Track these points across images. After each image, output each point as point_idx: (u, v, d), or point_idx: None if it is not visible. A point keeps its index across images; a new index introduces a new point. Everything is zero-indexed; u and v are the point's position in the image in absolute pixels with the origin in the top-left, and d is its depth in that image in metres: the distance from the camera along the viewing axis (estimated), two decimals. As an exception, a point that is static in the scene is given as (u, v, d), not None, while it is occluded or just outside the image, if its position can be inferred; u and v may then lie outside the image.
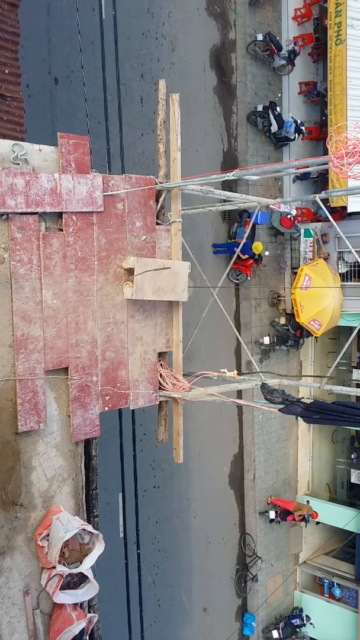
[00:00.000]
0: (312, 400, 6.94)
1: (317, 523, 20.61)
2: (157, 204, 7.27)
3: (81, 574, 6.15)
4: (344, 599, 20.07)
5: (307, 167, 7.37)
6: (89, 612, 6.61)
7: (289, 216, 18.14)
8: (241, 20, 18.32)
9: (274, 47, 18.33)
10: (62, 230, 6.26)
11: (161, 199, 7.31)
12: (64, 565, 5.99)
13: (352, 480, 20.82)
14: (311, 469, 21.78)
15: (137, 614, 12.70)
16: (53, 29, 12.93)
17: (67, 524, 5.96)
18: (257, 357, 18.71)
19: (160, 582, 16.38)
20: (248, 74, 18.45)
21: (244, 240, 11.01)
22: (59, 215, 6.24)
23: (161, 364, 7.51)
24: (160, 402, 7.60)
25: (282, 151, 19.52)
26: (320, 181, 19.89)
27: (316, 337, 19.59)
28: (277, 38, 18.75)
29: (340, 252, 18.63)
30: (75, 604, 6.28)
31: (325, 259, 18.50)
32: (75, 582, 6.27)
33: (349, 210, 16.98)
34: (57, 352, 6.25)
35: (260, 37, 18.31)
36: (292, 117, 18.68)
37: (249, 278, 18.03)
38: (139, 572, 12.73)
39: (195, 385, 7.47)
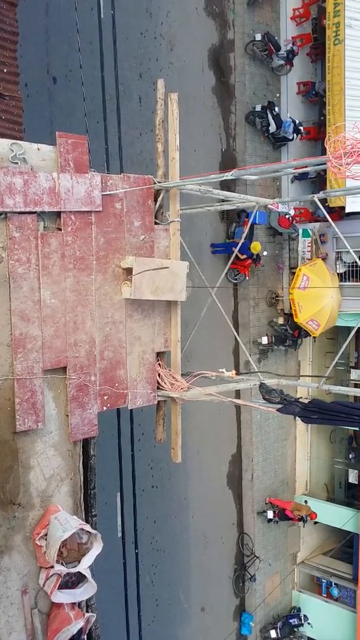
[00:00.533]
0: (310, 400, 6.94)
1: (315, 523, 20.62)
2: (155, 204, 7.27)
3: (79, 573, 6.15)
4: (341, 599, 20.09)
5: (306, 167, 7.37)
6: (87, 611, 6.61)
7: (287, 216, 18.15)
8: (240, 20, 18.32)
9: (272, 47, 18.34)
10: (60, 229, 6.26)
11: (160, 199, 7.31)
12: (62, 564, 5.99)
13: (350, 480, 20.83)
14: (309, 469, 21.79)
15: (135, 614, 12.70)
16: (52, 28, 12.91)
17: (65, 523, 5.95)
18: (255, 357, 18.72)
19: (158, 581, 16.37)
20: (246, 74, 18.45)
21: (242, 240, 11.04)
22: (58, 214, 6.23)
23: (159, 364, 7.51)
24: (159, 401, 7.60)
25: (280, 151, 19.53)
26: (318, 181, 19.90)
27: (314, 337, 19.60)
28: (276, 38, 18.76)
29: (338, 252, 18.65)
30: (73, 604, 6.27)
31: (324, 259, 18.52)
32: (73, 581, 6.26)
33: (347, 210, 16.99)
34: (55, 351, 6.25)
35: (258, 37, 18.33)
36: (290, 117, 18.69)
37: (247, 278, 18.03)
38: (137, 572, 12.73)
39: (193, 385, 7.47)
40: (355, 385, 18.79)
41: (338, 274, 18.45)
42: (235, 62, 18.37)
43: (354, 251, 8.60)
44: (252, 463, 19.15)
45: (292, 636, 19.83)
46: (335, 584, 20.23)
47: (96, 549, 6.17)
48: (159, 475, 16.12)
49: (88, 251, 6.49)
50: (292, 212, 18.48)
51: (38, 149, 6.11)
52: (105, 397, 6.80)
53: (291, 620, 19.80)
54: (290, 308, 18.05)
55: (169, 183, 7.24)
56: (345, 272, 18.61)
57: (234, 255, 10.31)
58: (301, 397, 7.21)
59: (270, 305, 19.38)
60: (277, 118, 18.27)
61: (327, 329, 18.30)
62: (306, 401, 6.95)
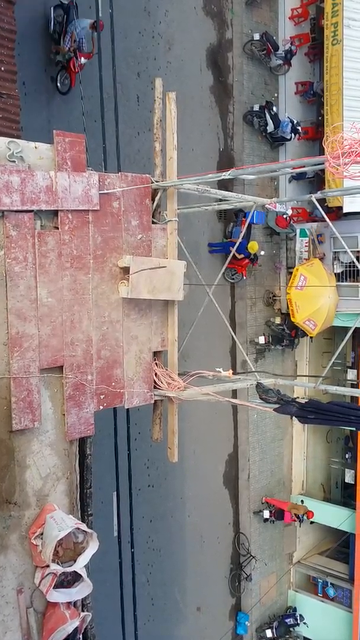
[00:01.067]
0: (307, 400, 6.94)
1: (312, 522, 20.63)
2: (153, 203, 7.26)
3: (75, 572, 6.14)
4: (337, 599, 20.11)
5: (304, 166, 7.37)
6: (83, 610, 6.60)
7: (284, 216, 18.16)
8: (238, 19, 18.32)
9: (270, 47, 18.35)
10: (57, 228, 6.24)
11: (157, 198, 7.30)
12: (57, 564, 5.98)
13: (346, 480, 20.86)
14: (305, 469, 21.82)
15: (130, 613, 12.69)
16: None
17: (61, 522, 5.94)
18: (252, 357, 18.73)
19: (154, 581, 16.37)
20: (245, 74, 18.45)
21: (239, 240, 11.03)
22: (55, 213, 6.22)
23: (156, 363, 7.50)
24: (155, 401, 7.59)
25: (278, 151, 19.53)
26: (316, 181, 19.91)
27: (311, 337, 19.62)
28: (274, 38, 18.77)
29: (335, 252, 18.65)
30: (69, 603, 6.26)
31: (321, 259, 18.53)
32: (69, 580, 6.25)
33: (345, 210, 16.99)
34: (52, 350, 6.24)
35: (257, 36, 18.34)
36: (288, 117, 18.70)
37: (244, 277, 18.04)
38: (132, 571, 12.72)
39: (190, 385, 7.46)
40: (352, 386, 18.80)
41: (335, 274, 18.46)
42: (233, 61, 18.37)
43: (351, 251, 8.61)
44: (249, 463, 19.16)
45: (288, 636, 19.85)
46: (331, 583, 20.26)
47: (92, 548, 6.17)
48: (155, 474, 16.11)
49: (85, 250, 6.48)
50: (289, 212, 18.48)
51: (35, 148, 6.10)
52: (102, 397, 6.79)
53: (287, 620, 19.81)
54: (288, 308, 18.06)
55: (167, 182, 7.23)
56: (342, 272, 18.61)
57: (231, 254, 10.32)
58: (298, 397, 7.21)
59: (267, 305, 19.38)
60: (275, 118, 18.28)
61: (324, 329, 18.32)
62: (303, 401, 6.95)
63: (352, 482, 20.15)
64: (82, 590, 6.22)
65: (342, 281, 18.46)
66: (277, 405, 7.00)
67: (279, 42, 18.94)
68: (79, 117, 10.58)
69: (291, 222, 18.56)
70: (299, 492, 21.40)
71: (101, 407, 6.81)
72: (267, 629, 19.38)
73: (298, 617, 19.88)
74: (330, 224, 7.93)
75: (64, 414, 6.41)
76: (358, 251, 17.42)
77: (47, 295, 6.16)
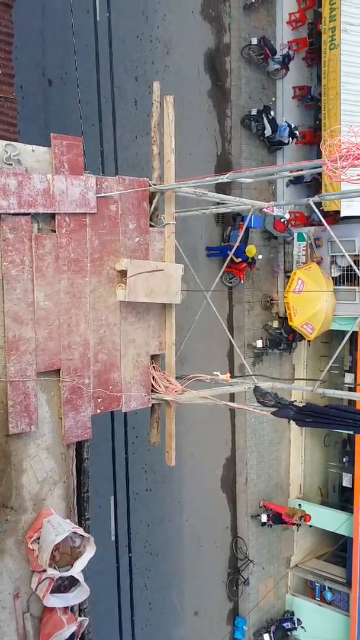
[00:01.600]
0: (304, 404, 6.93)
1: (310, 526, 20.61)
2: (150, 206, 7.26)
3: (72, 577, 6.11)
4: (335, 603, 20.07)
5: (302, 170, 7.37)
6: (80, 615, 6.57)
7: (282, 220, 18.18)
8: (236, 24, 18.35)
9: (268, 51, 18.39)
10: (54, 231, 6.24)
11: (155, 201, 7.30)
12: (54, 568, 5.95)
13: (343, 484, 20.83)
14: (303, 473, 21.79)
15: (128, 618, 12.63)
16: (47, 30, 12.89)
17: (58, 527, 5.92)
18: (249, 361, 18.72)
19: (151, 585, 16.32)
20: (242, 78, 18.48)
21: (237, 244, 11.01)
22: (52, 216, 6.22)
23: (154, 367, 7.49)
24: (153, 404, 7.58)
25: (275, 155, 19.56)
26: (313, 185, 19.92)
27: (309, 341, 19.62)
28: (272, 42, 18.81)
29: (333, 256, 18.67)
30: (66, 608, 6.24)
31: (318, 263, 18.55)
32: (65, 585, 6.23)
33: (342, 214, 17.02)
34: (48, 353, 6.22)
35: (254, 41, 18.36)
36: (286, 121, 18.73)
37: (242, 281, 18.04)
38: (130, 576, 12.67)
39: (187, 388, 7.45)
40: (350, 389, 18.80)
41: (333, 277, 18.47)
42: (231, 65, 18.41)
43: (348, 255, 8.61)
44: (246, 467, 19.13)
45: (285, 640, 19.84)
46: (328, 587, 20.22)
47: (89, 552, 6.14)
48: (152, 478, 16.07)
49: (82, 253, 6.47)
50: (287, 216, 18.50)
51: (32, 151, 6.10)
52: (99, 400, 6.78)
53: (285, 624, 19.76)
54: (285, 312, 18.07)
55: (164, 185, 7.23)
56: (339, 276, 18.63)
57: (229, 258, 10.31)
58: (295, 401, 7.20)
59: (265, 309, 19.39)
60: (273, 122, 18.30)
61: (322, 333, 18.32)
62: (301, 404, 6.94)
63: (350, 486, 20.12)
64: (79, 595, 6.20)
65: (340, 285, 18.48)
66: (274, 409, 6.99)
67: (276, 47, 18.98)
68: (77, 120, 10.54)
69: (289, 226, 18.57)
70: (297, 496, 21.37)
71: (98, 411, 6.79)
72: (265, 633, 19.32)
73: (295, 621, 19.82)
74: (328, 227, 7.93)
75: (61, 418, 6.40)
76: (355, 255, 17.44)
77: (44, 299, 6.15)
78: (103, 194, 6.62)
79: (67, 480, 6.53)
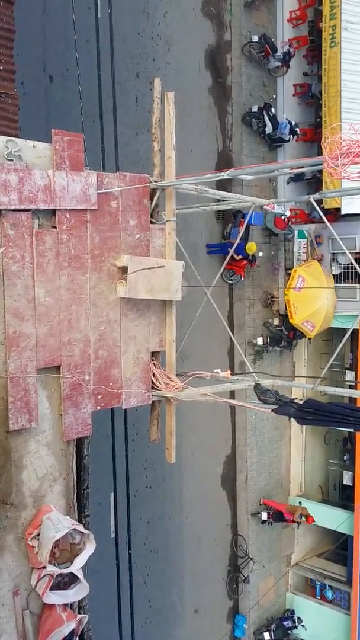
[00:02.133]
0: (305, 401, 6.92)
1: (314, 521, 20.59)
2: (151, 203, 7.25)
3: (71, 574, 6.11)
4: (335, 601, 20.07)
5: (302, 167, 7.36)
6: (79, 612, 6.57)
7: (283, 217, 18.15)
8: (236, 21, 18.32)
9: (269, 49, 18.35)
10: (55, 227, 6.22)
11: (155, 198, 7.29)
12: (54, 565, 5.95)
13: (344, 482, 20.83)
14: (304, 471, 21.78)
15: (127, 615, 12.66)
16: (48, 26, 12.87)
17: (58, 523, 5.92)
18: (250, 358, 18.70)
19: (151, 583, 16.32)
20: (243, 75, 18.45)
21: (238, 241, 11.00)
22: (53, 212, 6.20)
23: (154, 364, 7.48)
24: (153, 401, 7.57)
25: (276, 152, 19.52)
26: (314, 183, 19.90)
27: (309, 339, 19.60)
28: (272, 40, 18.77)
29: (333, 253, 18.64)
30: (65, 605, 6.23)
31: (319, 261, 18.53)
32: (65, 582, 6.22)
33: (343, 212, 17.00)
34: (49, 350, 6.21)
35: (255, 38, 18.33)
36: (286, 119, 18.70)
37: (242, 279, 18.02)
38: (130, 573, 12.71)
39: (188, 385, 7.44)
40: (350, 387, 18.79)
41: (333, 275, 18.45)
42: (231, 63, 18.38)
43: (349, 252, 8.60)
44: (247, 464, 19.12)
45: (285, 638, 19.80)
46: (329, 586, 20.22)
47: (89, 549, 6.14)
48: (152, 475, 16.08)
49: (83, 249, 6.46)
50: (287, 213, 18.47)
51: (34, 147, 6.08)
52: (100, 397, 6.77)
53: (285, 623, 19.76)
54: (286, 309, 18.05)
55: (165, 182, 7.22)
56: (340, 273, 18.61)
57: (229, 255, 10.29)
58: (296, 398, 7.19)
59: (265, 306, 19.37)
60: (274, 119, 18.27)
61: (322, 331, 18.31)
62: (301, 402, 6.93)
63: (350, 484, 20.12)
64: (78, 592, 6.20)
65: (340, 282, 18.45)
66: (275, 406, 6.99)
67: (277, 44, 18.94)
68: (78, 117, 10.54)
69: (289, 224, 18.54)
70: (297, 494, 21.36)
71: (98, 408, 6.79)
72: (265, 631, 19.31)
73: (296, 620, 19.82)
74: (329, 225, 7.93)
75: (61, 414, 6.39)
76: (356, 253, 17.41)
77: (45, 295, 6.14)
78: (104, 190, 6.60)
79: (67, 477, 6.52)
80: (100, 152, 11.49)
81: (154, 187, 7.21)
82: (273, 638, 19.25)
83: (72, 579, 6.22)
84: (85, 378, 6.56)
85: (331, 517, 20.01)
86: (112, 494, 12.60)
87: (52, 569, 5.85)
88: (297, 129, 18.89)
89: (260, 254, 18.35)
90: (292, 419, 7.08)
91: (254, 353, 18.98)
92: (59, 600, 6.05)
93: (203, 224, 17.43)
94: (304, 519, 18.79)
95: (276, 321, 19.35)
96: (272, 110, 18.42)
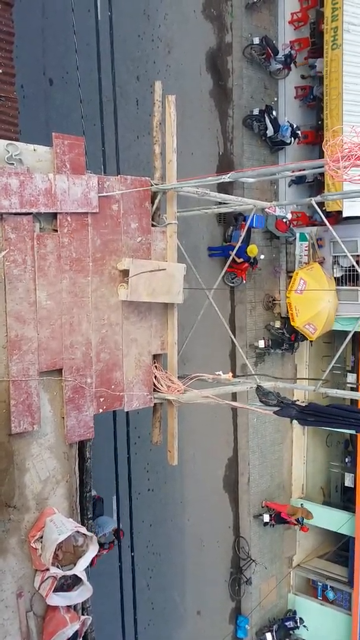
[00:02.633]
0: (307, 403, 6.94)
1: (314, 521, 20.58)
2: (152, 206, 7.26)
3: (75, 576, 6.12)
4: (337, 602, 20.07)
5: (304, 170, 7.38)
6: (83, 614, 6.58)
7: (284, 220, 18.16)
8: (237, 23, 18.34)
9: (270, 51, 18.36)
10: (56, 230, 6.24)
11: (157, 201, 7.30)
12: (57, 567, 5.96)
13: (346, 484, 20.83)
14: (305, 473, 21.78)
15: (130, 617, 12.64)
16: (48, 29, 12.90)
17: (61, 526, 5.93)
18: (252, 361, 18.70)
19: (154, 585, 16.33)
20: (244, 78, 18.47)
21: (239, 244, 11.00)
22: (54, 215, 6.22)
23: (156, 366, 7.49)
24: (155, 404, 7.58)
25: (277, 155, 19.54)
26: (315, 185, 19.90)
27: (311, 341, 19.60)
28: (274, 42, 18.78)
29: (335, 256, 18.66)
30: (69, 607, 6.24)
31: (321, 263, 18.54)
32: (68, 584, 6.24)
33: (345, 214, 16.99)
34: (51, 353, 6.23)
35: (256, 40, 18.34)
36: (288, 121, 18.71)
37: (244, 281, 18.02)
38: (133, 575, 12.68)
39: (190, 388, 7.46)
40: (352, 389, 18.79)
41: (335, 278, 18.46)
42: (232, 65, 18.39)
43: (351, 255, 8.61)
44: (249, 466, 19.12)
45: (287, 639, 19.81)
46: (330, 587, 20.22)
47: (92, 551, 6.16)
48: (155, 478, 16.08)
49: (84, 253, 6.48)
50: (289, 216, 18.48)
51: (34, 150, 6.10)
52: (102, 399, 6.78)
53: (287, 623, 19.76)
54: (287, 312, 18.04)
55: (166, 185, 7.23)
56: (342, 276, 18.61)
57: (230, 258, 10.31)
58: (298, 400, 7.20)
59: (267, 309, 19.37)
60: (275, 122, 18.28)
61: (324, 333, 18.30)
62: (303, 404, 6.94)
63: (352, 486, 20.12)
64: (82, 593, 6.21)
65: (342, 285, 18.46)
66: (277, 408, 7.00)
67: (278, 47, 18.96)
68: (78, 120, 10.55)
69: (291, 226, 18.55)
70: (299, 496, 21.36)
71: (101, 410, 6.80)
72: (267, 632, 19.32)
73: (298, 620, 19.83)
74: (330, 227, 7.94)
75: (63, 417, 6.40)
76: (358, 255, 17.42)
77: (46, 298, 6.15)
78: (105, 194, 6.62)
79: (69, 480, 6.53)
80: (101, 156, 11.47)
81: (155, 190, 7.23)
82: (275, 639, 19.25)
83: (75, 581, 6.24)
84: (87, 381, 6.58)
85: (332, 519, 20.02)
86: (115, 496, 12.58)
87: (55, 571, 5.86)
88: (299, 132, 18.90)
89: (262, 256, 18.36)
90: (293, 420, 7.09)
91: (255, 356, 18.99)
92: (62, 602, 6.07)
93: (204, 227, 17.44)
94: (304, 520, 18.82)
95: (278, 324, 19.35)
96: (274, 112, 18.43)
